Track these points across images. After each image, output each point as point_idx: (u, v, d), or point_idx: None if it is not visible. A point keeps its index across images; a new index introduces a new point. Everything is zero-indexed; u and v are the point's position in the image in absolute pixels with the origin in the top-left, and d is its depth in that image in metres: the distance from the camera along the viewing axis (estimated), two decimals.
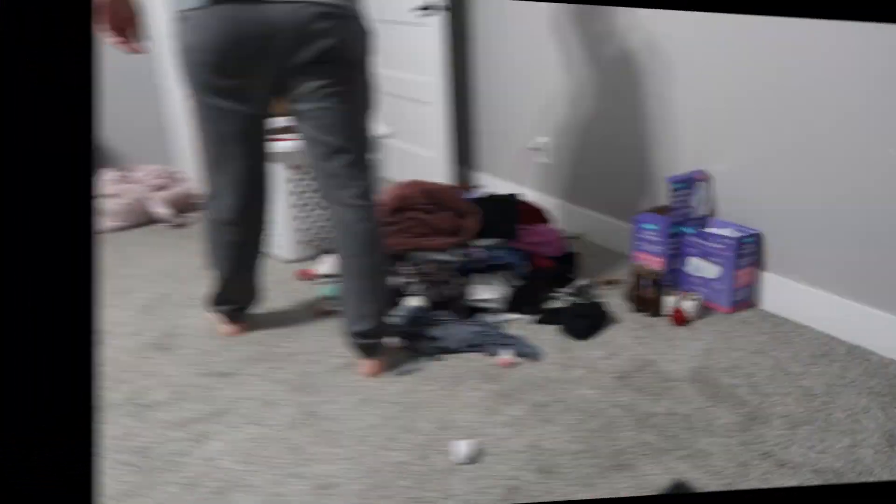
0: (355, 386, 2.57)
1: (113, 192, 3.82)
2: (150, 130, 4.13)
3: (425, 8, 4.12)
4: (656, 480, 2.07)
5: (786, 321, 3.03)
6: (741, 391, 2.58)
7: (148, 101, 4.19)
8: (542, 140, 4.15)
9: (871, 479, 2.15)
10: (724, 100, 3.05)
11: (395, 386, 2.57)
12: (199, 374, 2.64)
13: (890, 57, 2.45)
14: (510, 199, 3.62)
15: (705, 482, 2.16)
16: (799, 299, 2.98)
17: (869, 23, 1.93)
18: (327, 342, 2.86)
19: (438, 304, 3.04)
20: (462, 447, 2.10)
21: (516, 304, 3.13)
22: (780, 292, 3.06)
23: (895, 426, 2.35)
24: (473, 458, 2.10)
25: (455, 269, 3.13)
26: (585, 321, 2.98)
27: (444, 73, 4.19)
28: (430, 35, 4.14)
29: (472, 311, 3.06)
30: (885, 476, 2.16)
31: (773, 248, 3.06)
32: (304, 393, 2.54)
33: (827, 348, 2.81)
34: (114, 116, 4.06)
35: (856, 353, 2.76)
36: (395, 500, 1.95)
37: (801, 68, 2.73)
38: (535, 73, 4.03)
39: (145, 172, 4.18)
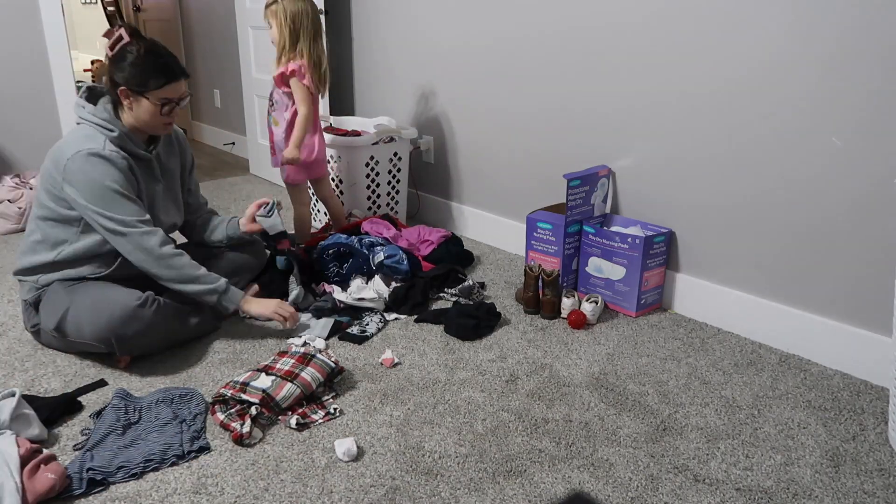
0: None
1: (10, 197, 3.79)
2: (46, 138, 4.06)
3: None
4: (551, 489, 1.76)
5: (703, 326, 2.60)
6: (650, 399, 2.12)
7: (44, 110, 4.12)
8: (424, 139, 3.70)
9: (810, 503, 1.68)
10: (629, 89, 2.67)
11: None
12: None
13: (824, 42, 2.12)
14: None
15: (608, 493, 1.73)
16: (718, 303, 2.56)
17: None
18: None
19: None
20: (343, 444, 1.86)
21: (396, 303, 2.73)
22: (695, 295, 2.64)
23: (840, 444, 1.91)
24: (354, 456, 1.86)
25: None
26: (471, 321, 2.52)
27: None
28: None
29: (354, 309, 2.70)
30: (827, 500, 1.69)
31: (686, 248, 2.65)
32: None
33: (754, 356, 2.38)
34: (10, 124, 4.01)
35: (790, 363, 2.34)
36: (274, 495, 1.72)
37: (715, 54, 2.37)
38: (416, 71, 3.60)
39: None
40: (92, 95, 2.31)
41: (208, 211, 2.74)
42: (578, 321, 2.57)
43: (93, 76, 7.77)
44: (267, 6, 3.01)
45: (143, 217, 2.25)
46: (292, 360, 2.12)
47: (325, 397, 2.10)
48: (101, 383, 2.18)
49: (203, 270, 2.32)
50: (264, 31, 4.28)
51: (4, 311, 2.72)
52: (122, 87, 2.22)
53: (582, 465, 1.81)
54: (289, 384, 2.02)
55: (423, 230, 3.28)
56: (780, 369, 2.29)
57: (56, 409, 1.99)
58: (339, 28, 4.08)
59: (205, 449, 1.87)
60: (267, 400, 1.97)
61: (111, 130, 2.23)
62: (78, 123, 2.27)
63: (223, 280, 2.35)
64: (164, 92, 2.24)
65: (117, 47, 2.22)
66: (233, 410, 1.97)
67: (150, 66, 2.22)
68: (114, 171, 2.20)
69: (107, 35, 2.25)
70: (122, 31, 2.22)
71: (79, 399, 2.08)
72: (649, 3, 2.55)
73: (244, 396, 1.97)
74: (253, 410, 1.94)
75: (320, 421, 2.00)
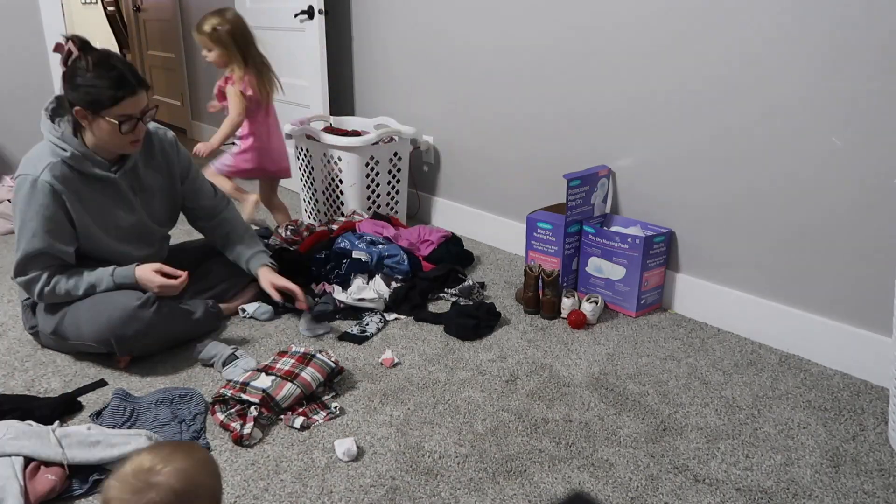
0: None
1: (10, 197, 3.75)
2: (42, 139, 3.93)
3: (305, 13, 3.83)
4: (551, 489, 1.76)
5: (703, 326, 2.60)
6: (650, 399, 2.11)
7: (40, 111, 3.99)
8: (424, 139, 3.69)
9: (810, 503, 1.68)
10: (629, 89, 2.67)
11: None
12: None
13: (825, 41, 2.12)
14: None
15: (608, 493, 1.73)
16: (718, 303, 2.56)
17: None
18: None
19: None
20: (343, 444, 1.86)
21: (396, 303, 2.73)
22: (695, 295, 2.64)
23: (840, 444, 1.91)
24: (354, 457, 1.86)
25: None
26: (471, 321, 2.52)
27: (322, 77, 3.94)
28: (310, 40, 3.92)
29: (354, 310, 2.69)
30: (827, 500, 1.69)
31: (686, 248, 2.65)
32: None
33: (754, 356, 2.38)
34: (10, 124, 4.02)
35: (790, 363, 2.34)
36: (274, 495, 1.71)
37: (715, 54, 2.37)
38: (416, 71, 3.60)
39: None
40: (59, 106, 2.20)
41: (229, 222, 2.62)
42: (578, 321, 2.57)
43: None
44: (202, 33, 3.16)
45: (52, 250, 2.16)
46: (292, 360, 2.12)
47: (325, 397, 2.10)
48: (101, 383, 2.19)
49: (87, 277, 2.24)
50: (265, 32, 4.29)
51: (4, 311, 2.72)
52: (77, 108, 2.09)
53: (582, 465, 1.81)
54: (289, 384, 2.02)
55: (423, 230, 3.27)
56: (780, 369, 2.29)
57: (56, 409, 1.99)
58: (339, 28, 4.08)
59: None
60: (267, 400, 1.97)
61: (64, 150, 2.12)
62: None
63: (107, 272, 2.26)
64: (120, 108, 2.08)
65: (69, 63, 2.08)
66: (233, 410, 1.98)
67: (102, 82, 2.05)
68: (40, 199, 2.11)
69: (57, 49, 2.09)
70: (71, 43, 2.07)
71: (79, 399, 2.08)
72: (649, 2, 2.55)
73: (244, 396, 1.97)
74: (253, 411, 1.94)
75: (321, 421, 2.00)
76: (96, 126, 2.12)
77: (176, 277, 2.29)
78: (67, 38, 2.08)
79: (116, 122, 2.11)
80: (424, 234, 3.26)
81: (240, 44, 3.18)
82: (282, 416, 1.99)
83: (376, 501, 1.68)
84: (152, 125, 2.40)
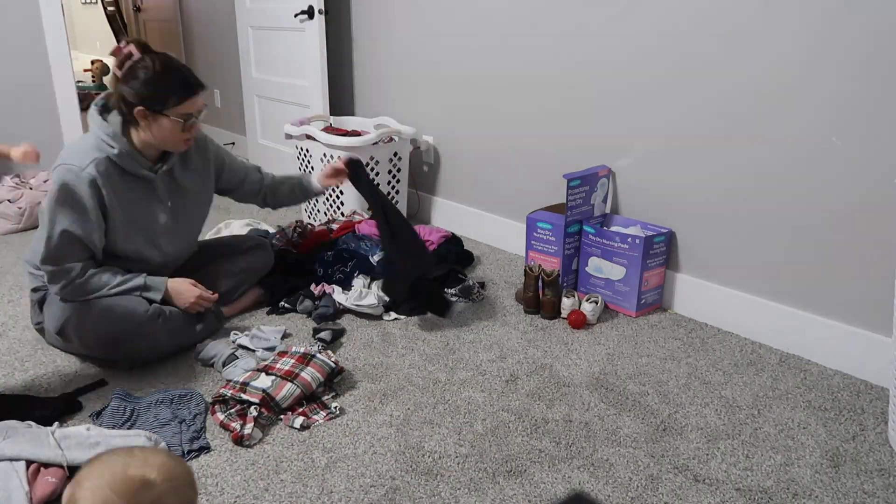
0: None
1: (10, 197, 3.79)
2: (46, 138, 3.96)
3: (305, 13, 3.82)
4: (551, 489, 1.75)
5: (703, 326, 2.60)
6: (650, 399, 2.11)
7: (44, 110, 4.13)
8: (424, 139, 3.69)
9: (810, 503, 1.68)
10: (629, 89, 2.67)
11: None
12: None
13: (825, 41, 2.12)
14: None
15: (608, 493, 1.74)
16: (718, 303, 2.56)
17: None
18: None
19: None
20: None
21: (396, 304, 2.73)
22: (695, 295, 2.64)
23: (840, 444, 1.91)
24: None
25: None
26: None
27: (322, 77, 3.93)
28: (310, 40, 3.91)
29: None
30: (827, 500, 1.69)
31: (686, 248, 2.65)
32: None
33: (754, 356, 2.38)
34: (9, 124, 3.97)
35: (790, 363, 2.34)
36: (274, 495, 1.72)
37: (715, 53, 2.37)
38: (416, 71, 3.60)
39: (40, 179, 4.08)
40: (105, 108, 2.23)
41: (270, 180, 2.70)
42: (578, 321, 2.57)
43: (93, 76, 7.76)
44: None
45: (78, 239, 2.14)
46: (292, 360, 2.12)
47: (325, 397, 2.11)
48: (101, 383, 2.19)
49: (120, 276, 2.24)
50: (265, 31, 4.31)
51: (4, 311, 2.72)
52: (139, 108, 2.13)
53: (582, 465, 1.81)
54: (289, 384, 2.02)
55: (423, 230, 3.27)
56: (780, 369, 2.29)
57: (56, 409, 1.99)
58: (339, 28, 4.08)
59: (205, 449, 1.87)
60: (267, 400, 1.97)
61: (112, 147, 2.15)
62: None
63: (140, 276, 2.27)
64: (184, 108, 2.16)
65: (127, 64, 2.13)
66: (233, 410, 1.98)
67: (168, 83, 2.14)
68: (81, 190, 2.11)
69: (114, 53, 2.16)
70: (132, 47, 2.14)
71: (79, 399, 2.09)
72: (649, 2, 2.55)
73: (244, 396, 1.97)
74: (253, 411, 1.94)
75: (321, 421, 2.00)
76: (156, 125, 2.17)
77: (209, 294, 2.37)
78: (127, 41, 2.16)
79: (180, 121, 2.17)
80: (424, 234, 3.25)
81: None
82: (282, 417, 1.99)
83: (376, 501, 1.68)
84: None
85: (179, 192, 2.39)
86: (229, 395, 1.99)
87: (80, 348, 2.27)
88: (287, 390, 2.01)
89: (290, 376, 2.05)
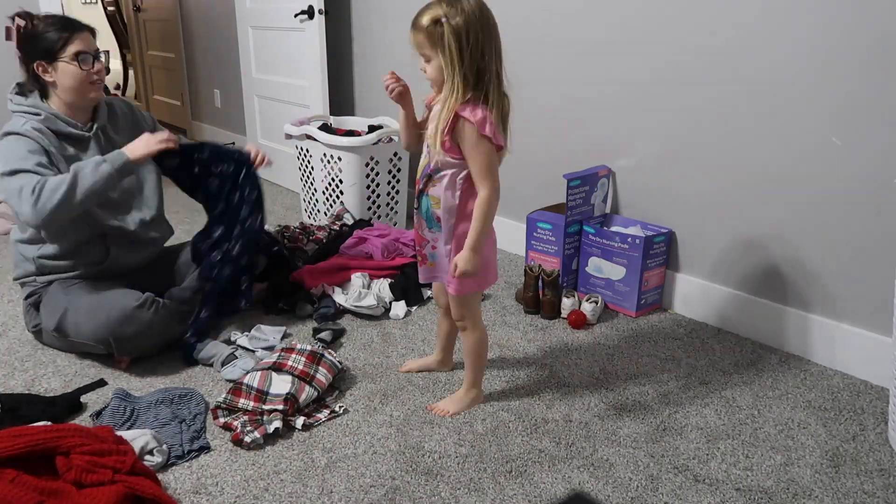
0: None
1: None
2: None
3: (305, 13, 3.82)
4: (551, 489, 1.76)
5: (703, 326, 2.60)
6: (650, 399, 2.12)
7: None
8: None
9: (810, 503, 1.68)
10: (629, 89, 2.67)
11: None
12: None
13: (825, 42, 2.12)
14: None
15: (608, 493, 1.74)
16: (718, 303, 2.56)
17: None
18: None
19: None
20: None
21: (398, 299, 2.76)
22: (695, 295, 2.64)
23: (840, 444, 1.91)
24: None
25: None
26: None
27: (322, 77, 3.93)
28: (310, 40, 3.91)
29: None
30: (827, 500, 1.69)
31: (686, 248, 2.65)
32: None
33: (754, 356, 2.38)
34: (4, 125, 3.82)
35: (790, 363, 2.34)
36: (274, 495, 1.72)
37: (715, 54, 2.37)
38: (416, 70, 3.59)
39: None
40: (21, 91, 2.29)
41: None
42: (578, 321, 2.57)
43: None
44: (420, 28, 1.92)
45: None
46: (303, 359, 2.11)
47: (329, 397, 2.10)
48: (101, 383, 2.19)
49: (72, 168, 2.13)
50: (264, 31, 4.29)
51: (4, 311, 2.72)
52: (37, 62, 2.20)
53: (582, 465, 1.81)
54: (308, 387, 2.02)
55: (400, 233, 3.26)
56: (780, 369, 2.29)
57: (56, 409, 1.99)
58: (339, 28, 4.08)
59: (205, 449, 1.87)
60: (292, 402, 1.97)
61: (37, 114, 2.20)
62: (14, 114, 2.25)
63: (97, 157, 2.18)
64: (72, 47, 2.21)
65: (20, 36, 2.21)
66: (245, 418, 1.95)
67: (49, 29, 2.21)
68: (25, 142, 2.13)
69: (7, 36, 2.24)
70: (18, 20, 2.21)
71: (79, 399, 2.09)
72: (649, 2, 2.55)
73: (265, 407, 1.96)
74: (277, 423, 1.90)
75: (324, 420, 2.00)
76: (58, 75, 2.22)
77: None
78: (13, 18, 2.22)
79: (75, 61, 2.21)
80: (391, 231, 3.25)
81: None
82: (288, 418, 1.99)
83: (376, 501, 1.69)
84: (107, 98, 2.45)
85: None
86: (250, 407, 1.97)
87: (76, 343, 2.27)
88: (307, 394, 2.01)
89: (306, 377, 2.05)
